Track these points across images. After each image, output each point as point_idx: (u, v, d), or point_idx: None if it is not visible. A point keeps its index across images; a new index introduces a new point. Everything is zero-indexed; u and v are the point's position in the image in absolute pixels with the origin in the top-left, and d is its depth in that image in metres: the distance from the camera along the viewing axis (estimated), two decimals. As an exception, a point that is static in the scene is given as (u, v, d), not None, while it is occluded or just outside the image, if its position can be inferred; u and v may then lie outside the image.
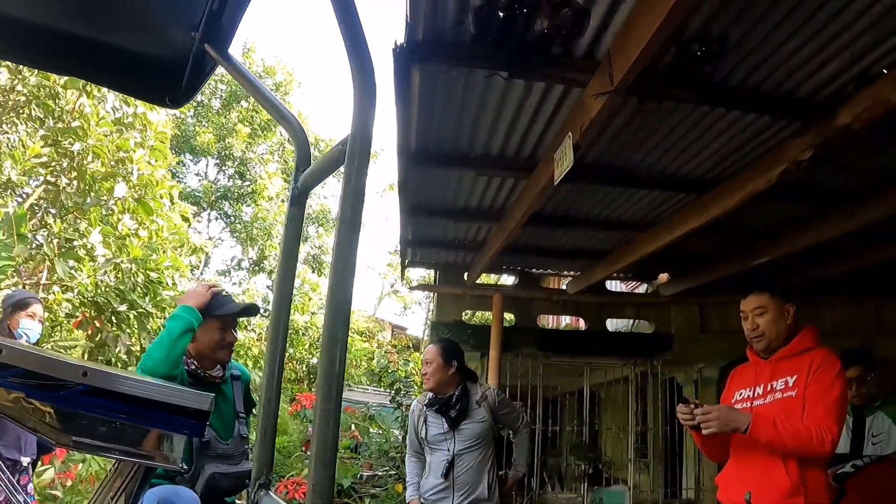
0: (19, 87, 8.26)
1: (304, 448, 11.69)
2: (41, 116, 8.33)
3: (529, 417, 10.23)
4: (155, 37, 2.43)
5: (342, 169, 1.49)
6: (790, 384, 3.51)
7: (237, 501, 3.84)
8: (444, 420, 4.95)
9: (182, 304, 3.56)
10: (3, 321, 5.01)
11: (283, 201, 25.03)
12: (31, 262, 7.83)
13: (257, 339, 17.82)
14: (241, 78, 2.27)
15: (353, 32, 1.43)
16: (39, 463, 5.91)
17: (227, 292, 3.89)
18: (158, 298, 8.38)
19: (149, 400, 1.57)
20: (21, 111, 8.51)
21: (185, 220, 10.20)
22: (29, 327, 5.03)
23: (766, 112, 4.24)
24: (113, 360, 7.97)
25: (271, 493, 1.82)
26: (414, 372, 14.95)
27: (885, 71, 3.71)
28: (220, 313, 3.70)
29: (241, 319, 3.76)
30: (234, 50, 2.35)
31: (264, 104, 2.18)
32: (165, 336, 3.41)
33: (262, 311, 4.02)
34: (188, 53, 2.40)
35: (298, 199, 1.97)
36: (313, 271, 24.63)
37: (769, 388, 3.60)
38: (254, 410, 4.04)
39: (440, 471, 4.90)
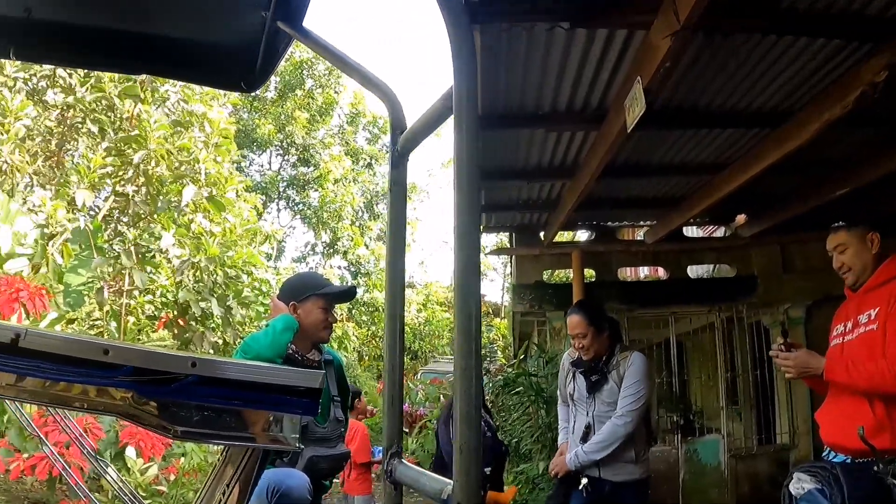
0: (71, 101, 8.51)
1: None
2: (102, 129, 8.57)
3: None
4: (225, 22, 2.47)
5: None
6: (872, 317, 3.39)
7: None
8: (585, 382, 4.77)
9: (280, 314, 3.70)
10: None
11: (350, 182, 25.31)
12: (111, 271, 8.08)
13: (339, 321, 18.08)
14: (322, 50, 2.28)
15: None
16: (141, 461, 6.16)
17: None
18: (243, 295, 8.60)
19: (259, 383, 1.60)
20: (80, 127, 8.77)
21: (257, 211, 10.39)
22: None
23: (836, 35, 4.14)
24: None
25: (404, 461, 1.86)
26: (496, 338, 15.00)
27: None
28: (324, 292, 3.81)
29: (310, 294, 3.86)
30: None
31: (351, 73, 2.20)
32: (271, 329, 3.56)
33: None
34: (261, 34, 2.43)
35: (399, 161, 2.01)
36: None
37: (856, 322, 3.51)
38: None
39: (580, 434, 4.72)
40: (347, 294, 4.24)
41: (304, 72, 25.45)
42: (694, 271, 10.41)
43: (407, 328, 21.99)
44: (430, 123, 1.76)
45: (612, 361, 4.67)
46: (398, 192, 2.02)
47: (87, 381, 1.49)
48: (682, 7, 3.46)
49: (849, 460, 3.34)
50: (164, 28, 2.46)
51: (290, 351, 3.68)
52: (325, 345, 4.04)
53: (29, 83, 8.51)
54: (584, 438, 4.66)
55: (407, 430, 12.18)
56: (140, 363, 1.50)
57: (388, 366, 1.93)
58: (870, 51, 4.27)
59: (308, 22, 2.27)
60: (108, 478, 2.88)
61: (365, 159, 27.32)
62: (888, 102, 4.78)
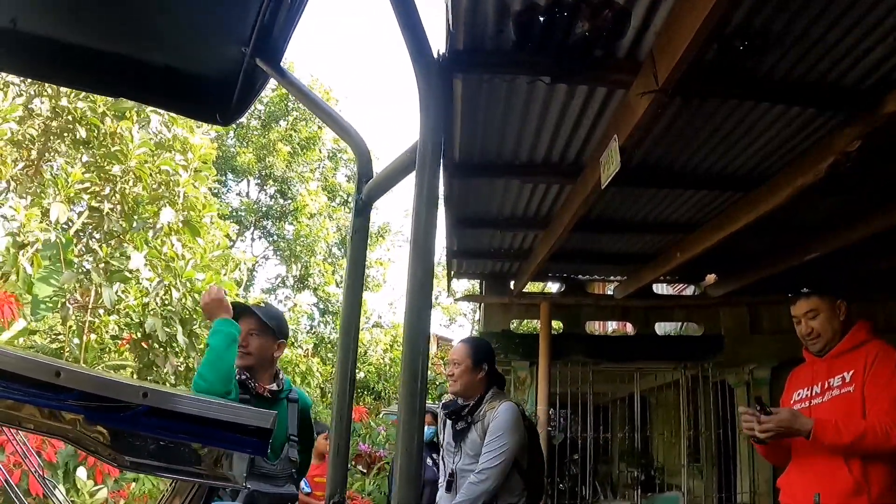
0: (51, 112, 8.42)
1: (352, 462, 11.73)
2: (83, 139, 8.46)
3: (580, 425, 10.20)
4: (204, 54, 2.47)
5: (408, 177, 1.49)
6: (847, 380, 3.46)
7: None
8: (452, 429, 4.52)
9: (216, 318, 3.43)
10: None
11: (325, 217, 25.25)
12: (79, 286, 7.97)
13: (304, 356, 17.92)
14: (296, 91, 2.29)
15: (415, 34, 1.45)
16: (91, 482, 6.00)
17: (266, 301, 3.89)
18: (207, 321, 8.49)
19: (210, 419, 1.59)
20: (65, 136, 8.67)
21: (228, 237, 10.29)
22: None
23: (811, 104, 4.19)
24: (160, 380, 8.10)
25: None
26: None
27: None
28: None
29: (289, 336, 3.71)
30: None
31: (322, 116, 2.19)
32: (212, 354, 3.32)
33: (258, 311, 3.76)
34: (239, 69, 2.43)
35: (363, 210, 1.99)
36: (359, 287, 24.68)
37: (826, 385, 3.54)
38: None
39: (444, 485, 4.50)
40: (239, 310, 3.71)
41: (290, 104, 25.43)
42: (662, 328, 10.44)
43: (372, 368, 21.79)
44: (395, 175, 1.74)
45: (478, 410, 4.39)
46: (359, 238, 2.01)
47: (37, 401, 1.48)
48: (662, 70, 3.49)
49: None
50: (144, 54, 2.45)
51: (244, 377, 3.58)
52: (288, 381, 3.92)
53: (19, 87, 8.40)
54: (448, 488, 4.45)
55: (365, 472, 12.02)
56: (92, 389, 1.49)
57: (337, 415, 1.90)
58: (844, 120, 4.32)
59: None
60: (55, 500, 2.82)
61: (342, 196, 27.27)
62: (860, 171, 4.84)
